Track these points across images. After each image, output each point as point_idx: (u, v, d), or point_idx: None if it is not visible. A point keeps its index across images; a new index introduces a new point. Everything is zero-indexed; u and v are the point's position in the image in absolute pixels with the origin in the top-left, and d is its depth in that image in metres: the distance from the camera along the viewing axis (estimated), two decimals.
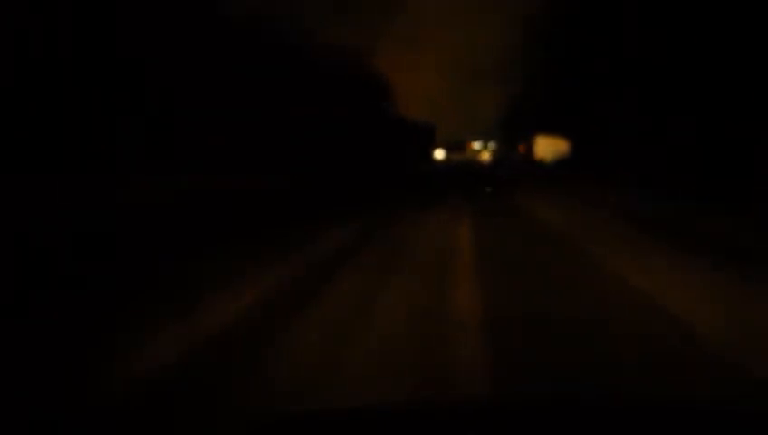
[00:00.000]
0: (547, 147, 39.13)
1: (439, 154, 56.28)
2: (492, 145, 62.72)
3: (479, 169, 43.56)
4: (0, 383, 3.42)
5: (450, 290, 5.48)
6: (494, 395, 3.16)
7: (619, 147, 25.28)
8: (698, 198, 14.60)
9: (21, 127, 12.76)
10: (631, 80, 22.65)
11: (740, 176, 15.96)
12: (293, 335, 4.19)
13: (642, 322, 4.50)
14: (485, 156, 60.22)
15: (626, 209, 13.55)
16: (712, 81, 17.75)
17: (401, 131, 39.33)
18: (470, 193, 18.65)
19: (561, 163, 36.21)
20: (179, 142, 16.92)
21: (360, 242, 8.59)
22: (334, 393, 3.19)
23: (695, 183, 16.62)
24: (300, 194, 17.53)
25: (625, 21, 23.16)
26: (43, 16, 13.08)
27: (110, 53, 14.29)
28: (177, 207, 12.71)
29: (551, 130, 38.66)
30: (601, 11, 25.72)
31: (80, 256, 7.27)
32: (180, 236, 9.09)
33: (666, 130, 20.60)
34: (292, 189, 18.25)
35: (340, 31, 29.32)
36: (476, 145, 65.32)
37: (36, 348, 4.02)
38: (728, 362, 3.66)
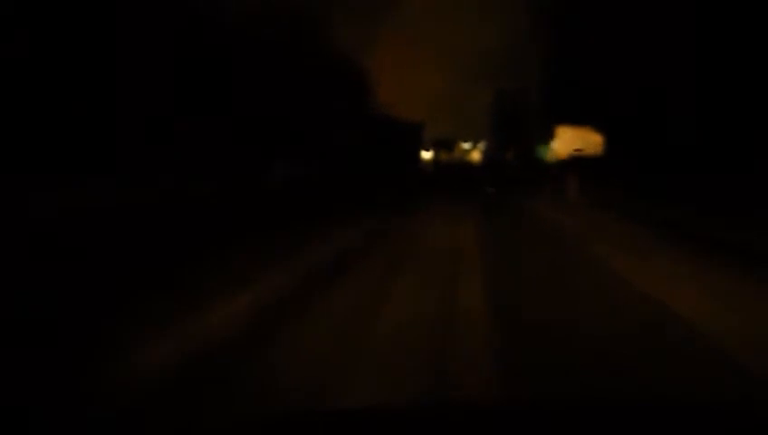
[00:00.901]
0: (573, 141, 29.67)
1: (427, 154, 55.51)
2: (482, 145, 62.60)
3: (470, 169, 43.03)
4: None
5: None
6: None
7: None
8: None
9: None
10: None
11: None
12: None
13: None
14: (476, 156, 60.19)
15: None
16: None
17: (384, 130, 37.31)
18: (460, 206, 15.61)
19: (576, 163, 26.02)
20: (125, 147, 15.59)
21: None
22: None
23: None
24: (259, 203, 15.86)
25: None
26: None
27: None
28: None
29: (577, 119, 29.25)
30: None
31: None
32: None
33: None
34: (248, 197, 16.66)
35: (327, 28, 28.61)
36: (466, 145, 65.13)
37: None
38: None
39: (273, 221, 11.44)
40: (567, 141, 29.91)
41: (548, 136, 35.44)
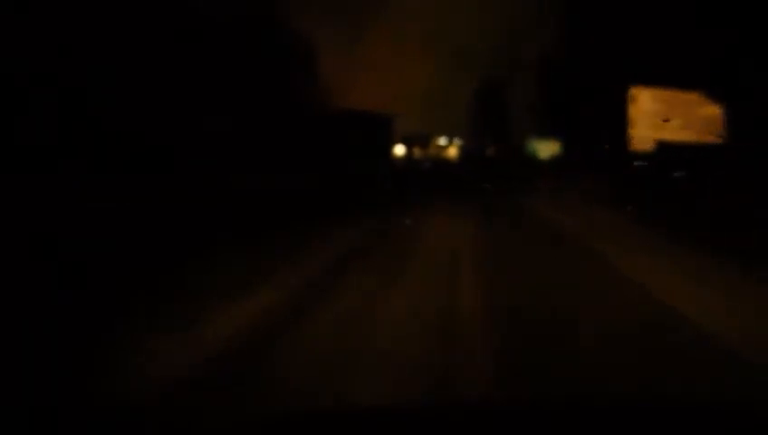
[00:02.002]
0: (664, 114, 16.17)
1: (399, 150, 53.49)
2: (458, 141, 62.25)
3: (447, 166, 41.63)
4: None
5: None
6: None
7: None
8: None
9: None
10: None
11: None
12: None
13: None
14: (452, 152, 59.89)
15: None
16: None
17: (343, 124, 30.75)
18: None
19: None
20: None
21: None
22: None
23: None
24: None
25: None
26: None
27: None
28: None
29: (662, 79, 16.61)
30: None
31: None
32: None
33: None
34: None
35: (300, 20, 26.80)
36: (442, 141, 64.68)
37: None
38: None
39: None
40: (651, 114, 15.76)
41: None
